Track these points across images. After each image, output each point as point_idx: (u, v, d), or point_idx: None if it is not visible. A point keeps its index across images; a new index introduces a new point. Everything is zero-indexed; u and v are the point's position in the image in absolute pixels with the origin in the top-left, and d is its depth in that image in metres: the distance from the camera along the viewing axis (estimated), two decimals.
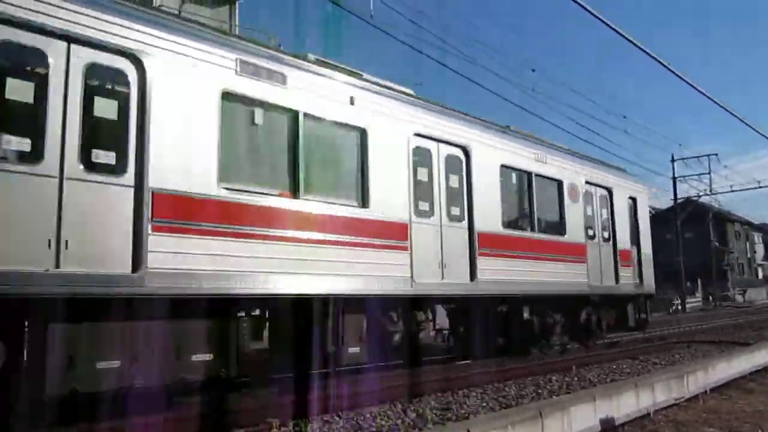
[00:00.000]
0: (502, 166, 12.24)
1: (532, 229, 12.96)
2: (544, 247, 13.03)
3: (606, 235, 15.50)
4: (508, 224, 12.35)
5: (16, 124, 6.38)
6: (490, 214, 11.77)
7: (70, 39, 6.67)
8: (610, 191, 15.68)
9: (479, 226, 11.42)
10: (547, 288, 12.95)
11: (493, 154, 12.04)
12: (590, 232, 14.81)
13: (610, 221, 15.61)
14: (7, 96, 6.31)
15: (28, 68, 6.59)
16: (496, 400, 9.18)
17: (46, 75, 6.53)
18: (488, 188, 11.84)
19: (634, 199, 16.74)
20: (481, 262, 11.34)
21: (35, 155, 6.36)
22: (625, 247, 15.87)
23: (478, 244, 11.33)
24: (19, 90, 6.41)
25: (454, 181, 11.31)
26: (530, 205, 13.05)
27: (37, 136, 6.39)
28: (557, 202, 13.87)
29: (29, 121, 6.45)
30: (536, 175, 13.17)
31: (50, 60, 6.55)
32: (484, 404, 8.91)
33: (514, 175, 12.79)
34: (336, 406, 8.19)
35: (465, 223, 11.31)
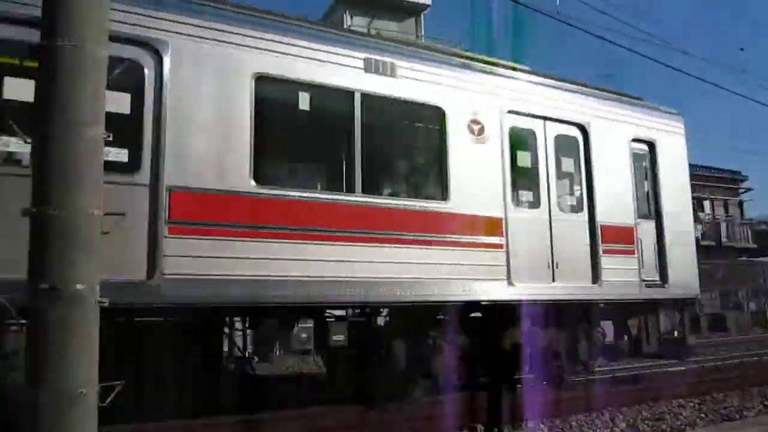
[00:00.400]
0: (261, 77, 6.88)
1: (350, 189, 7.35)
2: (382, 221, 7.39)
3: (572, 201, 9.24)
4: (275, 178, 7.01)
5: None
6: (216, 158, 6.52)
7: None
8: (583, 129, 9.31)
9: (178, 177, 6.25)
10: (390, 293, 7.28)
11: (229, 54, 6.75)
12: (524, 197, 8.72)
13: (584, 178, 9.25)
14: None
15: None
16: (717, 412, 8.28)
17: None
18: (214, 112, 6.59)
19: (650, 143, 10.06)
20: (179, 245, 6.18)
21: None
22: (617, 222, 9.36)
23: (170, 211, 6.19)
24: None
25: (120, 102, 6.22)
26: (349, 146, 7.42)
27: None
28: (432, 145, 8.07)
29: None
30: (368, 94, 7.53)
31: None
32: (702, 416, 8.13)
33: (301, 95, 7.26)
34: (535, 414, 7.52)
35: (143, 174, 6.21)
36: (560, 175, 9.09)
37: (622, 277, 9.17)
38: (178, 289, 6.12)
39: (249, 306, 7.01)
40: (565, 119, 9.14)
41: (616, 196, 9.41)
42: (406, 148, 8.28)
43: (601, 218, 9.13)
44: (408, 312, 7.80)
